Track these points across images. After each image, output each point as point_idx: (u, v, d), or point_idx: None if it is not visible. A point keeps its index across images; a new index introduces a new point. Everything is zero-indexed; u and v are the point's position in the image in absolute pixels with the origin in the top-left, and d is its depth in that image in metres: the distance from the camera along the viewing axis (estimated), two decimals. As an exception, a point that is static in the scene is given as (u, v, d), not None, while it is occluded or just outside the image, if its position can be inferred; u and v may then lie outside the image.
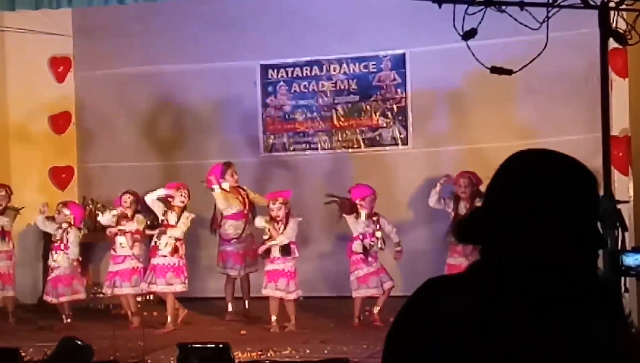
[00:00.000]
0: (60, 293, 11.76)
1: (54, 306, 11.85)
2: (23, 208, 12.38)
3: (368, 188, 11.38)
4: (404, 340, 2.07)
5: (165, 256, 11.25)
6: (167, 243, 11.27)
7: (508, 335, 1.94)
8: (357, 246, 11.17)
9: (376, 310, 11.04)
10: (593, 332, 1.95)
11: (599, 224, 2.17)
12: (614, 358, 1.96)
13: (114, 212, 11.67)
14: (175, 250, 11.29)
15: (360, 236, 11.15)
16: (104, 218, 11.85)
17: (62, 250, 11.77)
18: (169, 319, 11.17)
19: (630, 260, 2.95)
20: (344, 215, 11.27)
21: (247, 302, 11.96)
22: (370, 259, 11.14)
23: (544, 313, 1.96)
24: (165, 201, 11.50)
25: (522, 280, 2.01)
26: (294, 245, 11.13)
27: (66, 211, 11.91)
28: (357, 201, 11.22)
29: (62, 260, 11.77)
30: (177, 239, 11.34)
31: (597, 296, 2.02)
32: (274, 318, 10.92)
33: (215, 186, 11.64)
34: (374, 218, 11.22)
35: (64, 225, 11.84)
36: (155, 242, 11.34)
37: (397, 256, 11.36)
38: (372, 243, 11.16)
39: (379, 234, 11.21)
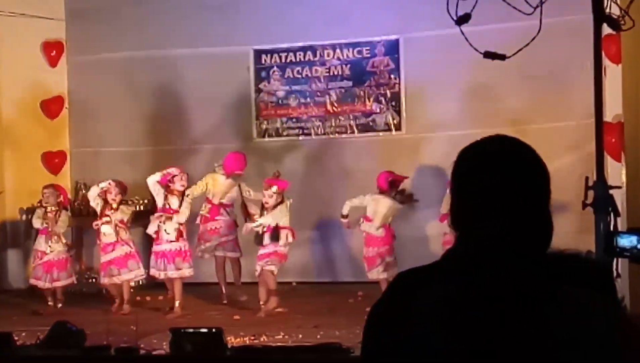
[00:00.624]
0: (55, 278, 11.75)
1: (45, 291, 11.84)
2: (1, 192, 12.32)
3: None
4: (382, 333, 2.07)
5: (172, 241, 11.25)
6: (174, 229, 11.28)
7: (497, 324, 1.94)
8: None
9: None
10: (590, 326, 1.95)
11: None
12: (612, 352, 1.95)
13: (102, 184, 11.53)
14: (180, 234, 11.31)
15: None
16: (92, 192, 11.69)
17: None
18: (177, 304, 11.17)
19: (625, 241, 2.97)
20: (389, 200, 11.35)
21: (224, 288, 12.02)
22: None
23: (540, 303, 1.95)
24: (165, 186, 11.42)
25: (506, 268, 2.00)
26: (286, 230, 11.07)
27: (56, 192, 11.87)
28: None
29: (56, 244, 11.75)
30: (180, 223, 11.36)
31: (594, 284, 2.02)
32: (262, 302, 10.92)
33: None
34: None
35: (53, 208, 11.78)
36: (159, 227, 11.32)
37: None
38: None
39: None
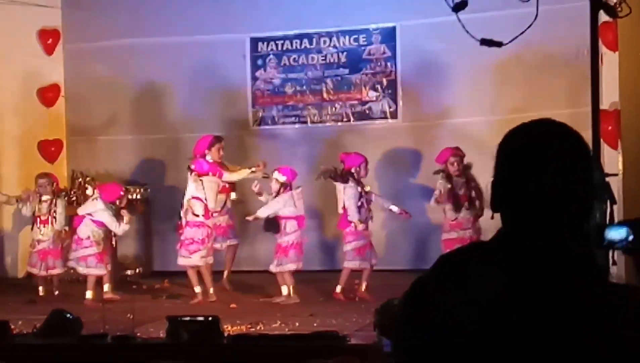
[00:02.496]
0: (50, 266, 11.72)
1: (41, 278, 11.79)
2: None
3: (360, 156, 11.31)
4: (424, 316, 2.05)
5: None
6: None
7: (534, 314, 1.94)
8: (353, 214, 11.03)
9: (363, 286, 10.96)
10: (631, 321, 1.95)
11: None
12: None
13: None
14: None
15: (358, 205, 11.06)
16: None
17: (50, 223, 11.73)
18: (211, 290, 11.06)
19: (614, 233, 2.96)
20: (336, 183, 11.20)
21: (225, 273, 11.96)
22: (364, 231, 11.07)
23: (583, 296, 1.96)
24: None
25: (549, 256, 1.99)
26: (285, 220, 10.99)
27: (49, 180, 11.84)
28: (352, 169, 11.14)
29: (51, 233, 11.73)
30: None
31: (586, 270, 2.02)
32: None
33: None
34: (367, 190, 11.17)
35: (47, 197, 11.77)
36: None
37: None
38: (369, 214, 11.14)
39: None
